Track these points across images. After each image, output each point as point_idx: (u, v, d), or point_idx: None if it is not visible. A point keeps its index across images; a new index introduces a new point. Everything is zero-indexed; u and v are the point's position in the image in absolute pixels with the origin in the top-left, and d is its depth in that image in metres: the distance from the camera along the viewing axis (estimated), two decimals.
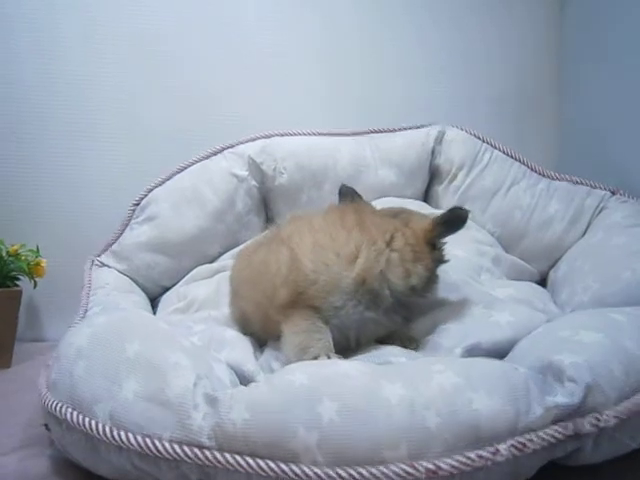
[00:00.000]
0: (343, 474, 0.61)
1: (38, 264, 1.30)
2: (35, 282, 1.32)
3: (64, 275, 1.39)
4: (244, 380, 0.84)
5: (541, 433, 0.65)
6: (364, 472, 0.61)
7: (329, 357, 0.84)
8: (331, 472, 0.61)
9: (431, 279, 0.95)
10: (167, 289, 1.30)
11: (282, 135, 1.36)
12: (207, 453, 0.63)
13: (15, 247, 1.28)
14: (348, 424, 0.63)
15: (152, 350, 0.75)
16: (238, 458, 0.62)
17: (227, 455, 0.63)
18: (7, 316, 1.25)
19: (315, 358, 0.84)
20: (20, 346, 1.32)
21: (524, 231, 1.30)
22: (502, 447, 0.63)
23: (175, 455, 0.64)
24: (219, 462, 0.63)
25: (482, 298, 1.03)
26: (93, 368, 0.73)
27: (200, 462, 0.63)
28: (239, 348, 0.94)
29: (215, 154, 1.34)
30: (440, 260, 0.97)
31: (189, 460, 0.63)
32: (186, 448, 0.64)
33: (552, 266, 1.29)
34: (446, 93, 1.55)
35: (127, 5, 1.47)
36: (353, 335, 0.92)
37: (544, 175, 1.34)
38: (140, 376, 0.71)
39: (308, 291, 0.89)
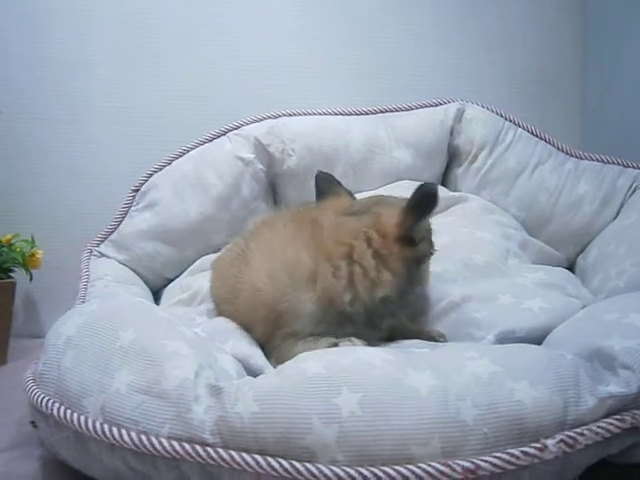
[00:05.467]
0: (367, 474, 0.53)
1: (33, 255, 1.24)
2: (31, 274, 1.25)
3: (62, 267, 1.33)
4: (251, 374, 0.76)
5: (594, 427, 0.57)
6: (391, 472, 0.53)
7: (352, 342, 0.76)
8: (353, 472, 0.53)
9: (409, 282, 0.83)
10: (170, 281, 1.23)
11: (290, 115, 1.28)
12: (210, 451, 0.55)
13: (8, 237, 1.21)
14: (372, 417, 0.55)
15: (148, 338, 0.67)
16: (246, 456, 0.55)
17: (233, 453, 0.55)
18: (1, 309, 1.18)
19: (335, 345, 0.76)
20: (17, 342, 1.26)
21: (551, 214, 1.22)
22: (550, 443, 0.55)
23: (174, 453, 0.56)
24: (224, 460, 0.55)
25: (511, 285, 0.95)
26: (82, 358, 0.66)
27: (202, 461, 0.55)
28: (246, 340, 0.86)
29: (219, 136, 1.26)
30: (422, 256, 0.84)
31: (190, 459, 0.56)
32: (186, 445, 0.56)
33: (580, 252, 1.21)
34: (465, 69, 1.46)
35: None
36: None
37: (571, 155, 1.26)
38: (134, 366, 0.63)
39: (278, 322, 0.82)
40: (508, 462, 0.54)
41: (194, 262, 1.22)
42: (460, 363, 0.62)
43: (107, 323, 0.70)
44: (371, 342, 0.82)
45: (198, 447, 0.56)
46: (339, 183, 0.96)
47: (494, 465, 0.54)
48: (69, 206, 1.40)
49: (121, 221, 1.22)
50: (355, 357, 0.63)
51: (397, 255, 0.80)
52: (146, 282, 1.22)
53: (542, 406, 0.57)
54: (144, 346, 0.66)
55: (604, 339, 0.65)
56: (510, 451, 0.54)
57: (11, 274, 1.23)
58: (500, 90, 1.45)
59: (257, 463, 0.54)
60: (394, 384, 0.58)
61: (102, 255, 1.21)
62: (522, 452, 0.54)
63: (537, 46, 1.50)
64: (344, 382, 0.58)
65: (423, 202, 0.81)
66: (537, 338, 0.81)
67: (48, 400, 0.64)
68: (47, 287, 1.35)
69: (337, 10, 1.46)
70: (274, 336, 0.83)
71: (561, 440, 0.55)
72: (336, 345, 0.77)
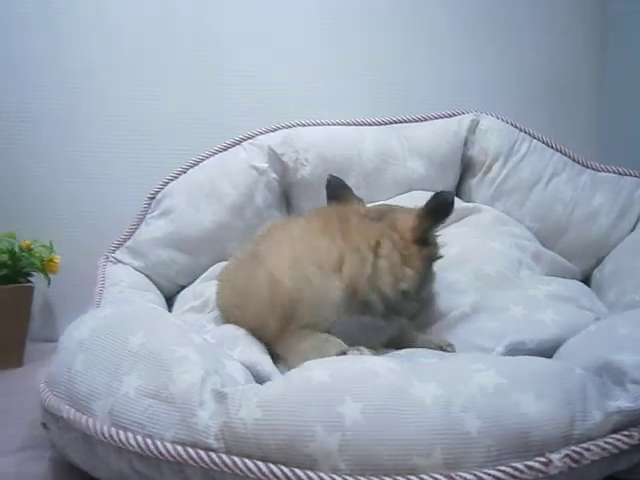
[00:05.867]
0: None
1: (51, 260, 1.26)
2: (49, 279, 1.27)
3: (80, 273, 1.34)
4: (259, 381, 0.76)
5: (601, 442, 0.56)
6: None
7: (360, 352, 0.76)
8: None
9: (425, 280, 0.90)
10: (183, 287, 1.24)
11: (304, 125, 1.29)
12: (213, 456, 0.56)
13: (27, 242, 1.24)
14: (374, 426, 0.55)
15: (158, 343, 0.68)
16: (248, 462, 0.55)
17: (236, 458, 0.55)
18: (19, 313, 1.21)
19: (343, 354, 0.76)
20: (33, 346, 1.28)
21: (566, 226, 1.20)
22: (555, 457, 0.54)
23: (178, 457, 0.56)
24: (227, 466, 0.55)
25: (523, 297, 0.94)
26: (93, 362, 0.67)
27: (206, 465, 0.56)
28: (255, 347, 0.86)
29: (233, 145, 1.27)
30: (433, 257, 0.91)
31: (193, 463, 0.56)
32: (190, 450, 0.56)
33: (596, 265, 1.19)
34: (476, 80, 1.46)
35: None
36: (357, 341, 0.83)
37: (587, 166, 1.25)
38: (143, 371, 0.64)
39: (297, 312, 0.82)
40: (512, 476, 0.53)
41: (207, 269, 1.23)
42: (466, 375, 0.62)
43: (118, 328, 0.72)
44: (383, 337, 0.87)
45: (202, 452, 0.56)
46: (350, 189, 1.01)
47: (497, 478, 0.53)
48: (87, 212, 1.42)
49: (137, 228, 1.24)
50: (361, 366, 0.63)
51: (417, 255, 0.87)
52: (160, 289, 1.23)
53: (548, 420, 0.56)
54: (153, 351, 0.66)
55: (615, 353, 0.64)
56: (514, 465, 0.54)
57: (30, 279, 1.25)
58: (515, 101, 1.45)
59: (259, 469, 0.54)
60: (398, 393, 0.58)
61: (118, 261, 1.23)
62: (526, 466, 0.54)
63: (552, 57, 1.49)
64: (348, 390, 0.58)
65: (439, 209, 0.89)
66: (548, 350, 0.80)
67: (59, 402, 0.66)
68: (64, 292, 1.37)
69: (350, 22, 1.47)
70: (287, 330, 0.83)
71: (567, 455, 0.54)
72: (344, 353, 0.77)
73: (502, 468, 0.53)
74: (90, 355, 0.68)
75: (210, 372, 0.64)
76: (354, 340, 0.82)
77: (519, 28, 1.49)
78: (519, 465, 0.54)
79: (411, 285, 0.86)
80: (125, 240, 1.24)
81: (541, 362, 0.66)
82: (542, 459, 0.54)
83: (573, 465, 0.54)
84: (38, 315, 1.39)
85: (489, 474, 0.53)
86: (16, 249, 1.22)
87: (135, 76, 1.43)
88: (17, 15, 1.40)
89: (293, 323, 0.83)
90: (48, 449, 0.76)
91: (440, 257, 0.93)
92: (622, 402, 0.58)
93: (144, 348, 0.67)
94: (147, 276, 1.23)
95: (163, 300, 1.21)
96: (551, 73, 1.50)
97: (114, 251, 1.24)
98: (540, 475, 0.54)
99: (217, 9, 1.44)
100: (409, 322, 0.92)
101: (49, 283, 1.28)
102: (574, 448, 0.55)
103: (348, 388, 0.58)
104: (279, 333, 0.84)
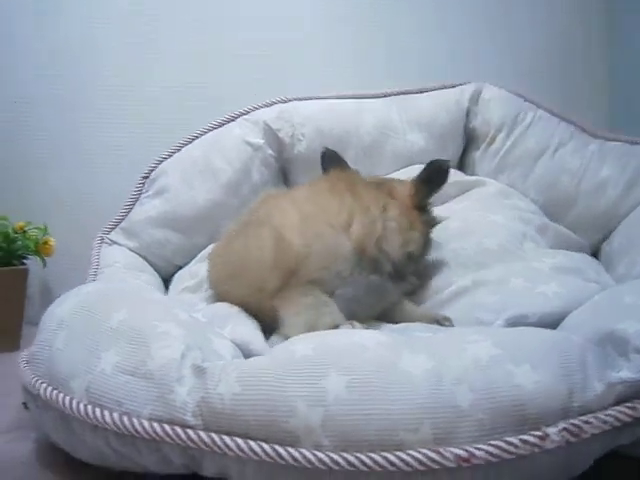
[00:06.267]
0: (352, 460, 0.50)
1: (46, 243, 1.24)
2: (44, 262, 1.25)
3: (76, 255, 1.32)
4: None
5: (601, 415, 0.53)
6: (378, 458, 0.50)
7: (352, 326, 0.74)
8: (337, 458, 0.50)
9: (426, 244, 0.93)
10: (181, 268, 1.22)
11: (301, 99, 1.25)
12: (190, 433, 0.53)
13: (21, 224, 1.22)
14: (359, 401, 0.52)
15: (139, 319, 0.66)
16: (226, 439, 0.52)
17: (214, 435, 0.53)
18: (14, 296, 1.19)
19: (335, 327, 0.74)
20: (31, 329, 1.25)
21: (573, 198, 1.15)
22: (552, 431, 0.51)
23: (154, 435, 0.54)
24: (205, 443, 0.53)
25: (526, 269, 0.91)
26: (73, 339, 0.65)
27: (183, 443, 0.53)
28: (247, 324, 0.83)
29: (228, 122, 1.23)
30: (431, 223, 0.95)
31: (170, 440, 0.54)
32: (167, 427, 0.54)
33: (605, 239, 1.14)
34: (481, 49, 1.41)
35: None
36: (359, 307, 0.82)
37: (596, 136, 1.19)
38: (122, 347, 0.62)
39: (303, 267, 0.80)
40: (505, 451, 0.50)
41: (204, 249, 1.20)
42: (460, 346, 0.58)
43: (101, 304, 0.70)
44: (385, 303, 0.87)
45: (178, 429, 0.54)
46: (345, 161, 1.01)
47: (490, 454, 0.50)
48: (83, 194, 1.39)
49: (131, 208, 1.21)
50: (350, 340, 0.60)
51: (420, 220, 0.91)
52: (157, 270, 1.20)
53: (544, 391, 0.53)
54: (134, 327, 0.64)
55: (618, 322, 0.60)
56: (508, 439, 0.51)
57: (24, 261, 1.24)
58: (520, 70, 1.39)
59: (238, 447, 0.52)
60: (386, 367, 0.55)
61: (113, 242, 1.20)
62: (521, 440, 0.50)
63: (561, 21, 1.43)
64: (333, 364, 0.55)
65: (434, 176, 0.92)
66: (551, 323, 0.76)
67: (37, 381, 0.64)
68: (61, 275, 1.35)
69: None
70: (289, 284, 0.81)
71: (564, 428, 0.51)
72: (336, 327, 0.74)
73: (495, 443, 0.50)
74: (71, 332, 0.66)
75: (192, 347, 0.61)
76: (357, 305, 0.82)
77: None
78: (513, 439, 0.51)
79: (417, 248, 0.88)
80: (120, 221, 1.21)
81: (538, 332, 0.62)
82: (538, 433, 0.51)
83: (572, 439, 0.51)
84: (35, 299, 1.38)
85: (481, 449, 0.50)
86: (9, 231, 1.20)
87: (138, 53, 1.40)
88: (21, 1, 1.37)
89: (297, 278, 0.80)
90: (33, 430, 0.75)
91: (438, 222, 0.95)
92: (625, 372, 0.54)
93: (124, 324, 0.65)
94: (143, 257, 1.20)
95: (160, 281, 1.18)
96: (562, 39, 1.44)
97: (109, 232, 1.21)
98: (536, 450, 0.51)
99: None
100: (407, 296, 0.90)
101: (44, 266, 1.26)
102: (573, 421, 0.52)
103: (334, 362, 0.56)
104: (279, 288, 0.81)
